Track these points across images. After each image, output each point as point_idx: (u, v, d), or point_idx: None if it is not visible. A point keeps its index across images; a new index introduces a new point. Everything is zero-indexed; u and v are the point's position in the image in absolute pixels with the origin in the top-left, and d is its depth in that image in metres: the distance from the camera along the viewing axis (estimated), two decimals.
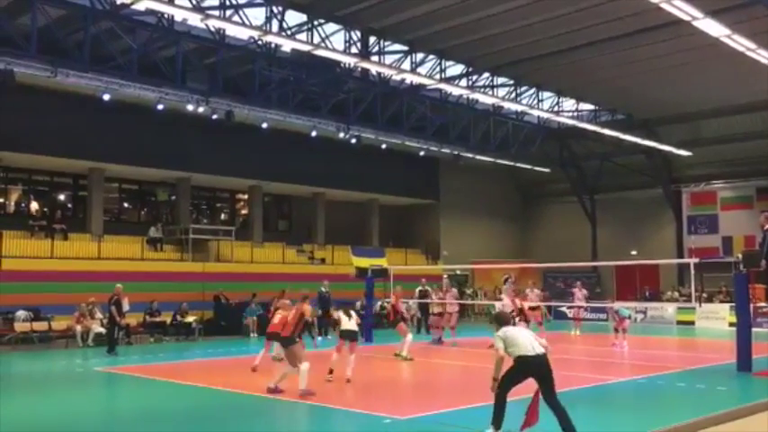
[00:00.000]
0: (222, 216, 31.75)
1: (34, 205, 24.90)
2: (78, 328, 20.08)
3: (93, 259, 22.98)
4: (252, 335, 23.48)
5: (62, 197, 26.96)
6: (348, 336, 13.20)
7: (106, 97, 19.72)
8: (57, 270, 21.57)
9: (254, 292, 24.58)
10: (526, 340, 8.17)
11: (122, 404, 11.96)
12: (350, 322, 13.29)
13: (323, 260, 29.92)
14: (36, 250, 22.10)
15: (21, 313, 19.91)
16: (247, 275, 25.91)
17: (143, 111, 22.04)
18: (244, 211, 31.56)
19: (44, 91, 20.43)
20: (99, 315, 20.82)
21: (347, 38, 19.80)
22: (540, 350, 8.13)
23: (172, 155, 25.00)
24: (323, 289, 22.90)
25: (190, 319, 22.65)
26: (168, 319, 22.26)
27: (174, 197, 28.40)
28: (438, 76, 22.29)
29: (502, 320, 8.66)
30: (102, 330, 20.28)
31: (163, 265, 24.47)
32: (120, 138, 23.34)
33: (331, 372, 12.80)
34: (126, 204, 28.99)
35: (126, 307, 18.75)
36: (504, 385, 8.20)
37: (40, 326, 20.07)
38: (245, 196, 30.76)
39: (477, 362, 14.77)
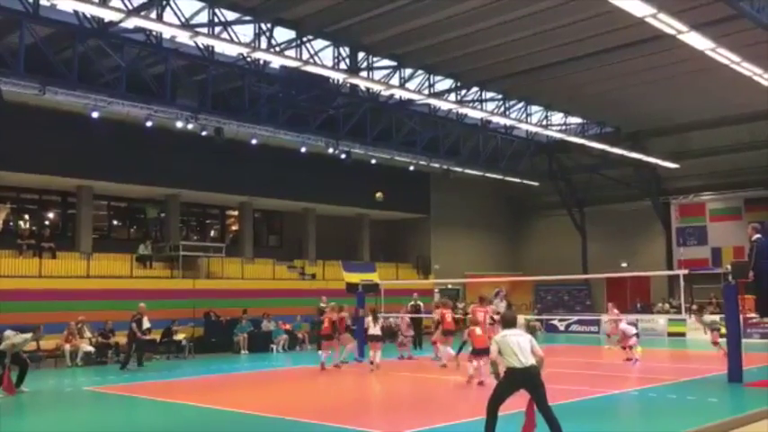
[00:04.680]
0: (212, 232, 31.62)
1: (22, 224, 24.71)
2: (67, 347, 19.88)
3: (82, 277, 22.79)
4: (243, 352, 23.34)
5: (51, 215, 26.78)
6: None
7: (95, 115, 19.60)
8: (45, 289, 21.38)
9: (245, 308, 24.49)
10: (519, 350, 8.09)
11: (112, 424, 11.74)
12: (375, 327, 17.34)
13: (314, 275, 29.83)
14: (24, 269, 21.90)
15: (9, 333, 19.66)
16: (238, 292, 25.79)
17: (132, 128, 21.93)
18: (234, 228, 31.45)
19: (32, 109, 20.31)
20: (88, 334, 20.66)
21: (336, 54, 19.87)
22: (530, 361, 8.09)
23: (161, 172, 24.90)
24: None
25: (180, 336, 22.51)
26: (158, 337, 22.10)
27: (163, 214, 28.25)
28: (427, 91, 22.38)
29: (505, 322, 8.83)
30: (92, 349, 20.19)
31: (153, 282, 24.28)
32: (108, 155, 23.23)
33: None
34: (115, 222, 28.80)
35: (146, 324, 19.59)
36: (495, 397, 8.18)
37: (29, 345, 19.82)
38: (235, 212, 30.67)
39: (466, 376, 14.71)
